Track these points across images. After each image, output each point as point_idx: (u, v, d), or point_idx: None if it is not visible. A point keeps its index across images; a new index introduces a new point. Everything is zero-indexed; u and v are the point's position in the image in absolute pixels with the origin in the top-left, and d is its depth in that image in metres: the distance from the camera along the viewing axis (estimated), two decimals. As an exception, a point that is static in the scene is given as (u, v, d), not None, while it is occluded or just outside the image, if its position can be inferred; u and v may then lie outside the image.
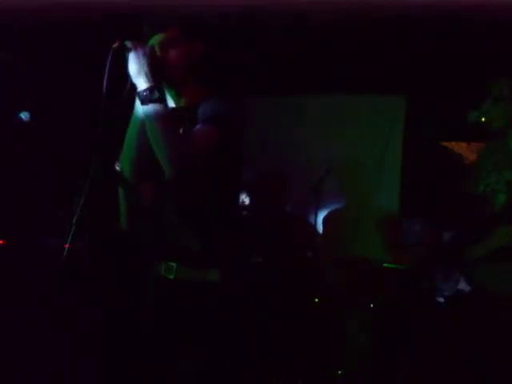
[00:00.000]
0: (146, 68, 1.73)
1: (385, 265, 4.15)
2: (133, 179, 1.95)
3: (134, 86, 1.77)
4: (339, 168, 4.75)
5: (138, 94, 1.75)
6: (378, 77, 4.68)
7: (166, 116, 1.76)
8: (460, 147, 4.77)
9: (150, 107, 1.74)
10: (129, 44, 1.73)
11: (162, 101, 1.78)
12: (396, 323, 3.76)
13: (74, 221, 1.58)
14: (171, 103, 1.94)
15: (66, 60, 4.21)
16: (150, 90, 1.74)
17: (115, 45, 1.72)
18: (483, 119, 3.73)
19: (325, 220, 4.53)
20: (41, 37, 4.10)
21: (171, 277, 1.92)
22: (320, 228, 4.32)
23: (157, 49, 1.84)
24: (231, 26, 3.97)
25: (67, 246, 1.65)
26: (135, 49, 1.73)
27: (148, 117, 1.75)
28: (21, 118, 2.97)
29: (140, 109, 1.81)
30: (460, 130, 4.65)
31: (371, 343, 3.67)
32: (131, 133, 1.89)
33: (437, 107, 4.71)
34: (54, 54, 4.22)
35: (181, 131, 1.84)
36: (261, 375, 3.60)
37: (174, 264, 1.92)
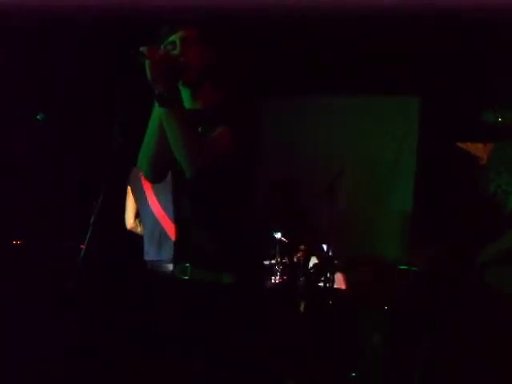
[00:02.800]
0: (163, 71, 1.76)
1: (398, 266, 4.13)
2: (151, 178, 1.98)
3: (152, 89, 1.80)
4: (353, 169, 4.76)
5: (156, 96, 1.78)
6: (392, 77, 4.67)
7: (184, 118, 1.79)
8: (476, 148, 4.73)
9: (169, 110, 1.77)
10: (145, 49, 1.75)
11: (180, 103, 1.81)
12: (409, 325, 3.75)
13: (91, 222, 1.60)
14: (187, 105, 1.96)
15: (84, 64, 4.25)
16: (167, 92, 1.76)
17: (132, 50, 1.74)
18: (500, 119, 3.71)
19: (337, 221, 4.51)
20: (56, 41, 4.14)
21: (186, 278, 1.94)
22: (333, 229, 4.30)
23: (172, 49, 1.87)
24: (246, 27, 3.98)
25: (83, 246, 1.66)
26: (151, 53, 1.75)
27: (167, 119, 1.77)
28: (38, 120, 3.00)
29: (158, 110, 1.83)
30: (476, 130, 4.63)
31: (384, 344, 3.66)
32: (150, 132, 1.91)
33: (451, 108, 4.68)
34: (71, 57, 4.25)
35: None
36: (272, 376, 3.60)
37: (188, 265, 1.94)
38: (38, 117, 3.05)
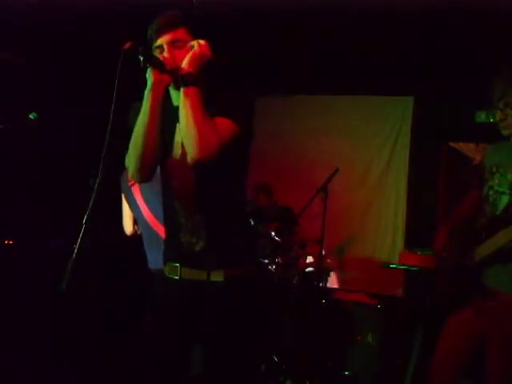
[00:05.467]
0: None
1: (391, 265, 4.15)
2: (138, 177, 1.95)
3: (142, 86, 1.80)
4: (347, 168, 4.76)
5: (184, 76, 1.82)
6: (387, 77, 4.68)
7: (201, 102, 1.82)
8: (468, 148, 4.76)
9: (194, 88, 1.80)
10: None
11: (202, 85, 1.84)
12: (405, 323, 3.76)
13: (84, 221, 1.58)
14: (175, 102, 1.94)
15: (76, 62, 4.24)
16: (194, 73, 1.82)
17: (126, 45, 1.72)
18: (491, 120, 3.71)
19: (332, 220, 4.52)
20: (50, 37, 4.13)
21: (176, 277, 1.94)
22: (327, 228, 4.32)
23: (164, 50, 1.86)
24: (237, 25, 3.98)
25: (75, 246, 1.65)
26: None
27: (188, 99, 1.80)
28: (30, 120, 2.98)
29: (146, 106, 1.83)
30: (468, 130, 4.66)
31: (379, 344, 3.67)
32: (139, 129, 1.89)
33: (444, 107, 4.70)
34: (64, 54, 4.24)
35: None
36: (268, 375, 3.61)
37: (177, 264, 1.94)
38: (31, 116, 3.03)
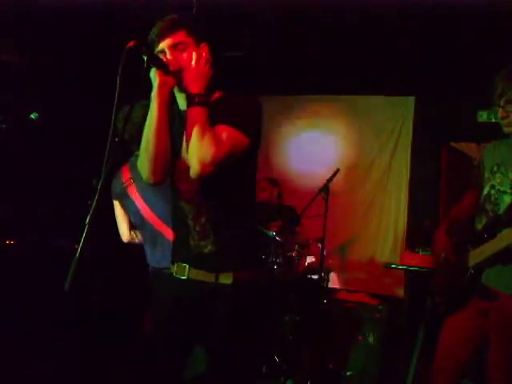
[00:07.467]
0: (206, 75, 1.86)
1: (393, 266, 4.15)
2: (152, 180, 1.94)
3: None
4: (349, 168, 4.77)
5: (195, 96, 1.83)
6: (388, 77, 4.68)
7: (207, 119, 1.82)
8: (469, 148, 4.76)
9: (198, 109, 1.81)
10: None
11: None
12: (406, 324, 3.76)
13: (87, 221, 1.58)
14: (181, 106, 1.95)
15: (77, 62, 4.23)
16: (201, 93, 1.83)
17: (130, 44, 1.72)
18: (493, 120, 3.71)
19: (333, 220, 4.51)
20: (50, 37, 4.13)
21: (184, 277, 1.93)
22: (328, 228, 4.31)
23: (167, 53, 1.86)
24: (236, 25, 3.98)
25: (77, 246, 1.64)
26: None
27: (197, 118, 1.81)
28: (31, 119, 2.98)
29: (154, 111, 1.83)
30: (470, 130, 4.66)
31: (380, 344, 3.67)
32: (148, 135, 1.89)
33: (445, 107, 4.71)
34: (64, 54, 4.24)
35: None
36: (269, 375, 3.60)
37: (186, 265, 1.93)
38: (32, 116, 3.02)
